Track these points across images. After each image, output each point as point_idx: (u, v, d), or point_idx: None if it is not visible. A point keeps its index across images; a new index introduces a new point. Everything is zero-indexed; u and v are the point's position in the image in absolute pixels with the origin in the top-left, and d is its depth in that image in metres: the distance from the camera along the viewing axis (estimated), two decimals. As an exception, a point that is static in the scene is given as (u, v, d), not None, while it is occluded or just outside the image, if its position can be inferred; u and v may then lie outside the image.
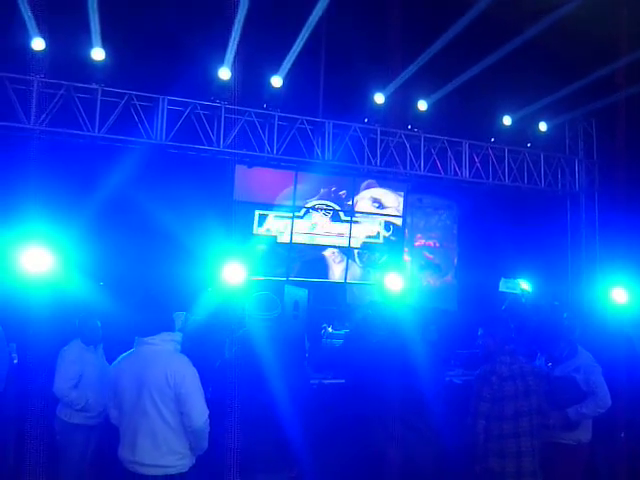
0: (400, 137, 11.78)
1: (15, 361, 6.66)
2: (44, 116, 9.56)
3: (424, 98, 11.41)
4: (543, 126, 12.47)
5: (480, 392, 4.66)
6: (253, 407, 4.17)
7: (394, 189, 12.52)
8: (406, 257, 12.99)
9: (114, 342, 6.33)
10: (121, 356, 4.18)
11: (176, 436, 3.90)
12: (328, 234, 12.11)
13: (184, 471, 3.95)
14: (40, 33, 9.03)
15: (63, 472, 5.73)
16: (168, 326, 4.07)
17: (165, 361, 3.94)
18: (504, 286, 10.35)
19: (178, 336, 4.10)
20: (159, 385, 3.86)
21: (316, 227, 11.98)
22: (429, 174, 12.10)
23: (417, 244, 13.29)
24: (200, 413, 3.88)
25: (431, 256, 13.40)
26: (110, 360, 6.22)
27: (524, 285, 10.46)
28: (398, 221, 12.62)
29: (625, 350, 5.94)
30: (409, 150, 11.87)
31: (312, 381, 6.00)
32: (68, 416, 5.77)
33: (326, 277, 12.15)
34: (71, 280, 7.46)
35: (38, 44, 9.12)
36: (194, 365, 4.04)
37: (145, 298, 4.20)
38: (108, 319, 6.29)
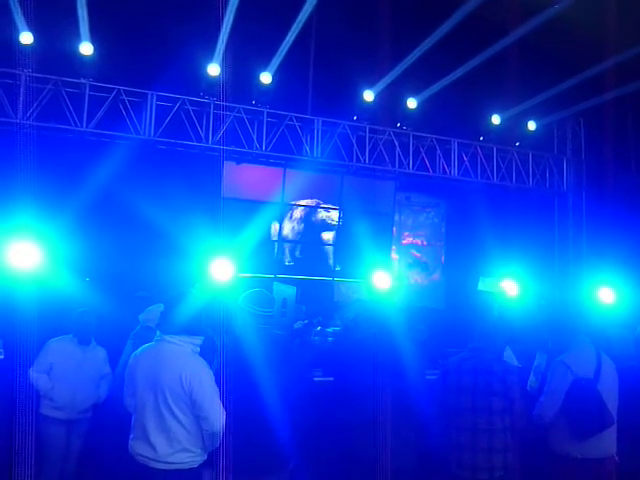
0: (389, 135, 11.79)
1: (1, 357, 6.63)
2: (32, 110, 9.49)
3: (413, 96, 11.42)
4: (532, 125, 12.50)
5: (437, 382, 4.98)
6: (246, 406, 4.17)
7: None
8: (394, 255, 13.00)
9: (98, 337, 6.35)
10: (142, 347, 4.20)
11: (190, 436, 3.92)
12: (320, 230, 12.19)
13: (194, 467, 3.97)
14: (28, 27, 8.96)
15: (43, 469, 5.72)
16: (192, 330, 4.07)
17: (182, 363, 3.95)
18: (483, 285, 10.39)
19: (198, 340, 4.09)
20: (173, 387, 3.88)
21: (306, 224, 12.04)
22: (417, 172, 12.10)
23: (405, 242, 13.31)
24: (218, 416, 3.89)
25: (418, 254, 13.43)
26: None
27: (505, 284, 10.51)
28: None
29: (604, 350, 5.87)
30: (398, 148, 11.87)
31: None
32: (41, 407, 5.80)
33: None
34: (58, 275, 7.42)
35: (26, 38, 9.05)
36: None
37: (177, 298, 4.17)
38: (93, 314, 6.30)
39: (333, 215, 12.31)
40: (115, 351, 6.04)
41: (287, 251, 12.09)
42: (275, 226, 11.82)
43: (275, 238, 11.85)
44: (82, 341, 6.09)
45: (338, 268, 12.36)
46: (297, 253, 12.18)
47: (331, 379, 5.48)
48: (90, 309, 6.23)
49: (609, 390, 4.72)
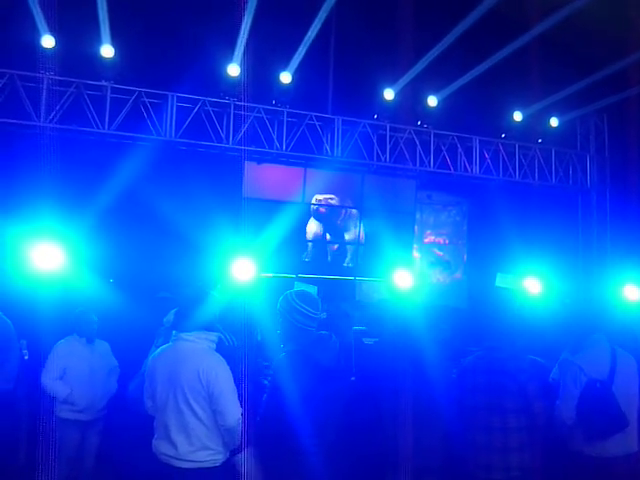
0: (410, 133, 11.73)
1: (26, 357, 6.69)
2: (54, 113, 9.58)
3: (434, 94, 11.36)
4: (554, 122, 12.39)
5: (455, 381, 4.91)
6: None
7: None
8: (415, 254, 12.94)
9: (120, 338, 6.38)
10: (160, 348, 4.23)
11: (209, 433, 3.93)
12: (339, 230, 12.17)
13: (217, 465, 3.98)
14: (50, 31, 9.05)
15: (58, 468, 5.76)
16: (206, 326, 4.09)
17: (198, 359, 3.97)
18: (500, 281, 10.26)
19: (214, 336, 4.11)
20: (191, 383, 3.90)
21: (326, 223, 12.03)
22: (439, 170, 12.05)
23: (426, 241, 13.24)
24: (233, 412, 3.90)
25: (440, 253, 13.36)
26: (117, 356, 6.32)
27: (528, 282, 10.39)
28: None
29: (631, 349, 5.78)
30: (419, 146, 11.82)
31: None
32: (58, 410, 5.82)
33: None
34: (81, 276, 7.48)
35: (48, 42, 9.13)
36: None
37: (194, 296, 4.18)
38: (115, 315, 6.32)
39: (354, 214, 12.28)
40: (137, 352, 6.05)
41: (309, 250, 12.08)
42: (297, 226, 11.80)
43: (298, 237, 11.82)
44: (82, 336, 6.12)
45: (359, 267, 12.32)
46: (318, 252, 12.15)
47: (353, 378, 5.47)
48: (90, 307, 6.25)
49: (626, 389, 4.59)
